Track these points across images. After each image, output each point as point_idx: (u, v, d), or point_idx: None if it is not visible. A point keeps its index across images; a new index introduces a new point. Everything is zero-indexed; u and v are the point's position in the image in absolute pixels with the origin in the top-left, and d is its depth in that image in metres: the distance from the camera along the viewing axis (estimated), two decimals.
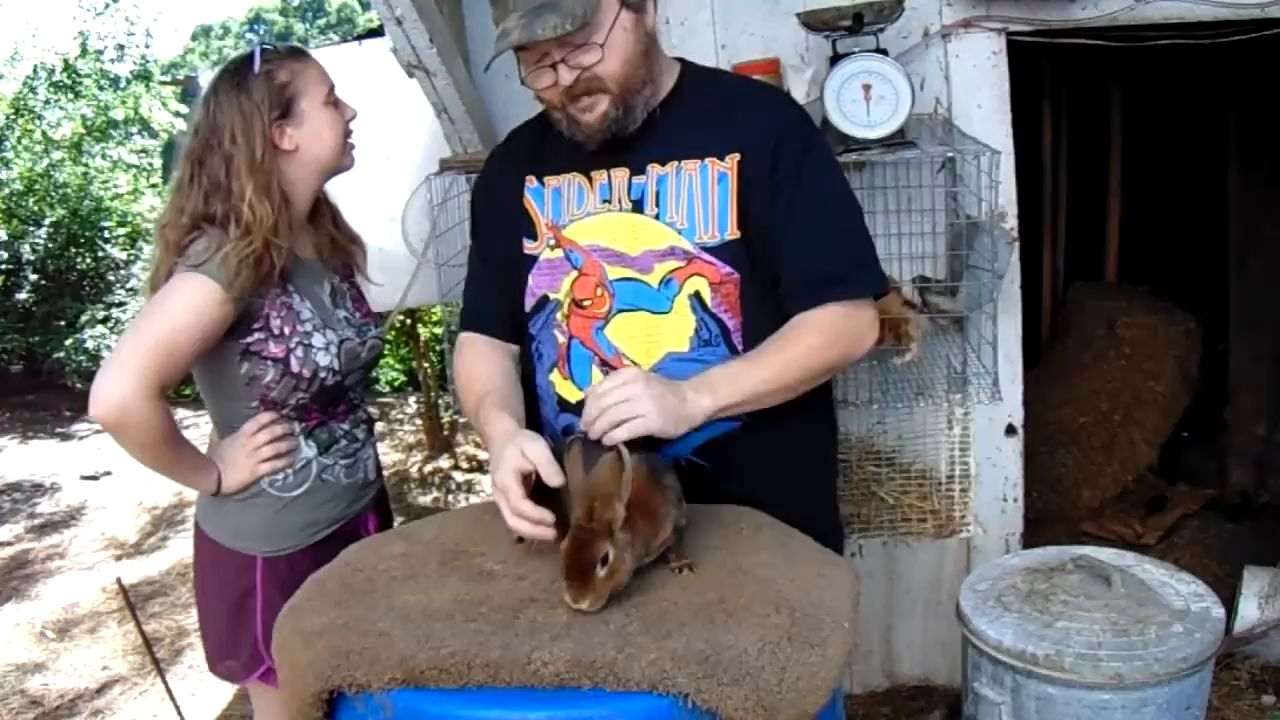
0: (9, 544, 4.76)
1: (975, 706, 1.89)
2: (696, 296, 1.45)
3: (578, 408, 1.50)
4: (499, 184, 1.60)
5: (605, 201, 1.48)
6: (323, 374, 1.69)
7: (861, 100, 2.11)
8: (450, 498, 5.17)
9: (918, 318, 2.26)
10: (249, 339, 1.64)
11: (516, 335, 1.59)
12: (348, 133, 1.76)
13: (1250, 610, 2.67)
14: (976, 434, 2.51)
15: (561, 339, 1.52)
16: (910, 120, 2.13)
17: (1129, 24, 2.31)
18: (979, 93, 2.39)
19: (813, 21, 2.16)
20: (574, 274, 1.50)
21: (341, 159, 1.75)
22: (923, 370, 2.36)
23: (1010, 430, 2.55)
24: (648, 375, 1.32)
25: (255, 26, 26.82)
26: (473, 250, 1.66)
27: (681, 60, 1.54)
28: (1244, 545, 3.26)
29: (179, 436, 1.63)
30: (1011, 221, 2.38)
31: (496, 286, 1.60)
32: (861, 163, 2.23)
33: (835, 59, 2.17)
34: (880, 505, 2.48)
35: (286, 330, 1.66)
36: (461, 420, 5.67)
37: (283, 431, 1.70)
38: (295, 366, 1.67)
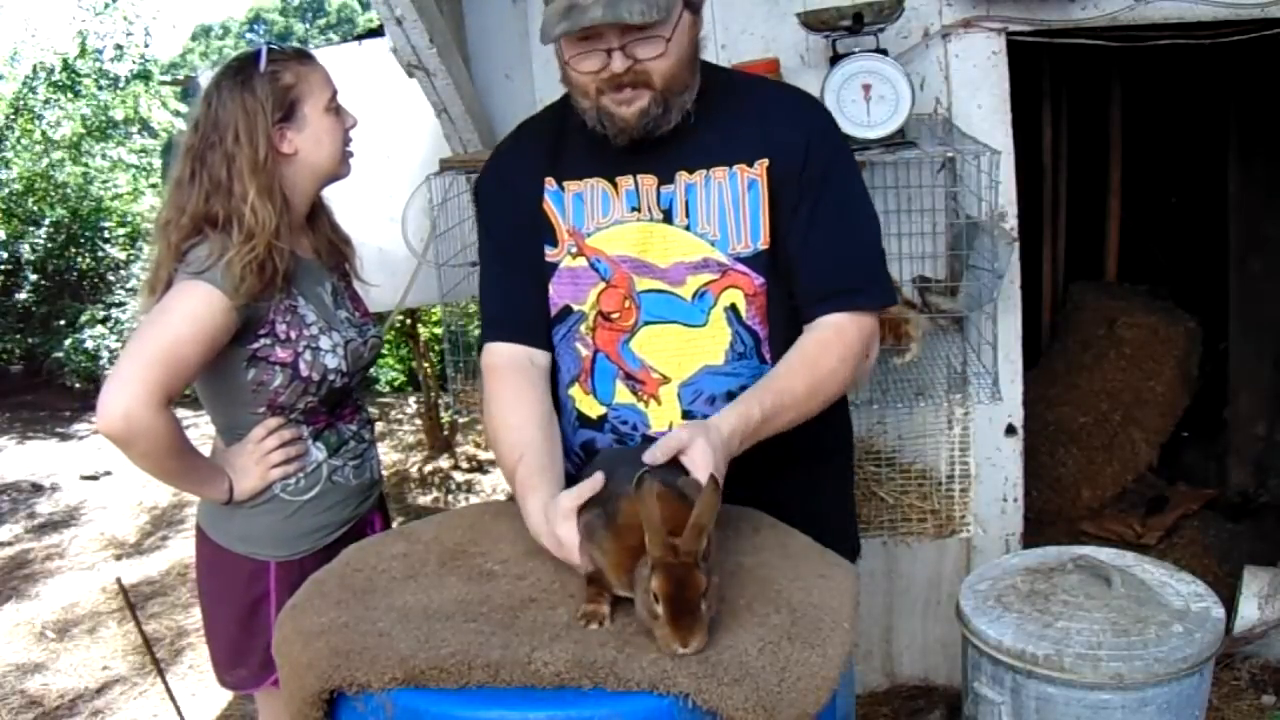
0: (9, 544, 4.76)
1: (975, 706, 1.89)
2: (733, 309, 1.43)
3: (598, 423, 1.47)
4: (515, 183, 1.50)
5: (634, 210, 1.43)
6: (331, 376, 1.69)
7: (861, 100, 2.11)
8: (450, 498, 5.17)
9: (918, 318, 2.26)
10: (255, 344, 1.62)
11: (549, 340, 1.51)
12: (347, 140, 1.74)
13: (1250, 610, 2.67)
14: (976, 434, 2.51)
15: (585, 352, 1.47)
16: (910, 120, 2.13)
17: (1129, 24, 2.31)
18: (979, 93, 2.39)
19: (813, 21, 2.16)
20: (601, 285, 1.45)
21: (339, 167, 1.74)
22: (923, 370, 2.36)
23: (1010, 430, 2.55)
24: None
25: (255, 26, 26.79)
26: (489, 253, 1.54)
27: (703, 63, 1.48)
28: (1244, 545, 3.26)
29: (188, 446, 1.60)
30: (1011, 221, 2.38)
31: (528, 288, 1.49)
32: (862, 163, 2.23)
33: (835, 59, 2.17)
34: (880, 505, 2.48)
35: (293, 335, 1.65)
36: (461, 420, 5.67)
37: (291, 435, 1.69)
38: (304, 370, 1.66)
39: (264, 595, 1.68)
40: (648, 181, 1.43)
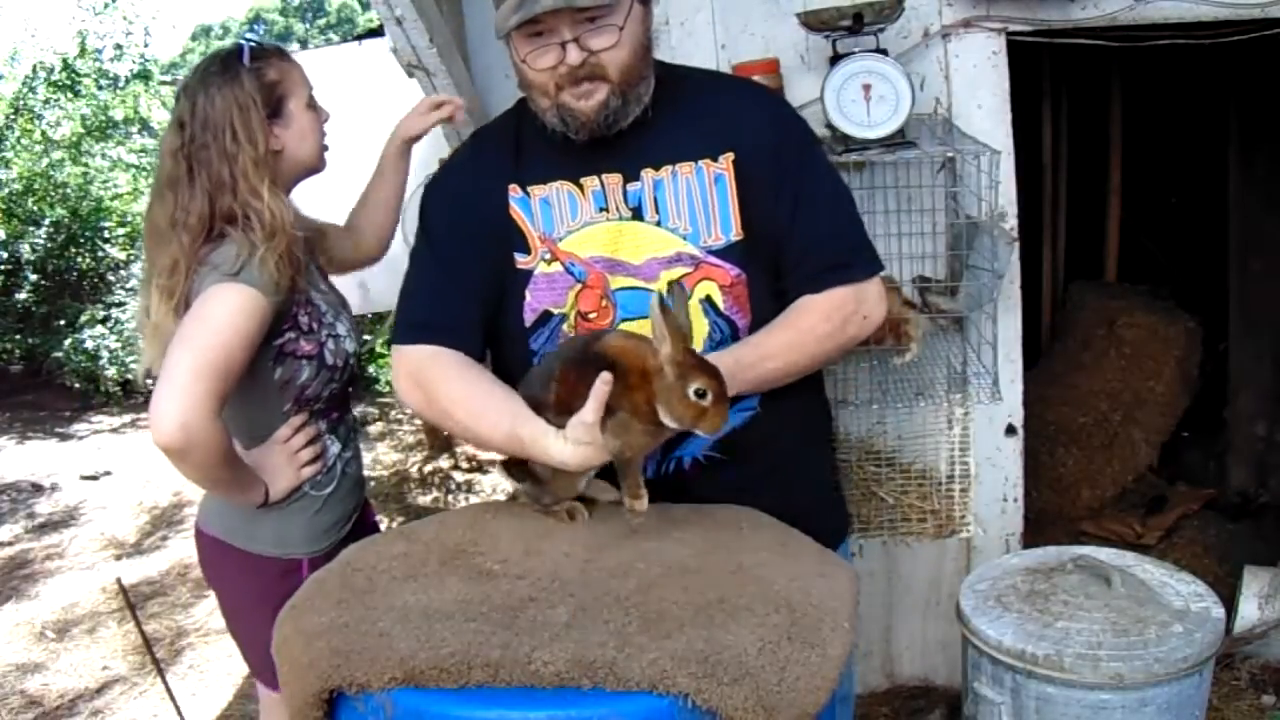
0: (8, 544, 4.76)
1: (975, 706, 1.89)
2: (708, 300, 1.45)
3: None
4: (472, 191, 1.50)
5: (602, 210, 1.45)
6: (351, 360, 1.73)
7: (861, 100, 2.11)
8: (450, 498, 5.17)
9: (918, 318, 2.26)
10: (280, 340, 1.63)
11: (483, 352, 1.51)
12: (323, 134, 1.75)
13: (1250, 610, 2.67)
14: (976, 434, 2.51)
15: None
16: (910, 120, 2.13)
17: (1129, 24, 2.31)
18: (979, 93, 2.39)
19: (813, 21, 2.16)
20: (578, 287, 1.46)
21: (319, 161, 1.75)
22: (923, 370, 2.36)
23: (1010, 430, 2.55)
24: None
25: (255, 26, 26.79)
26: (425, 257, 1.51)
27: (657, 61, 1.50)
28: (1244, 545, 3.26)
29: (236, 455, 1.61)
30: (1011, 221, 2.38)
31: (464, 298, 1.47)
32: (861, 163, 2.23)
33: (835, 59, 2.17)
34: (880, 505, 2.48)
35: (314, 325, 1.67)
36: None
37: (314, 433, 1.71)
38: (330, 359, 1.68)
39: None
40: (613, 180, 1.45)
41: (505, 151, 1.49)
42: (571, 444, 1.26)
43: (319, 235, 1.86)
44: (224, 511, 1.71)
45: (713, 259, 1.44)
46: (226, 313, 1.52)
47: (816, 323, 1.43)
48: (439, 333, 1.45)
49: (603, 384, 1.23)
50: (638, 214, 1.44)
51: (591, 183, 1.45)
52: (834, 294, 1.44)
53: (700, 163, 1.44)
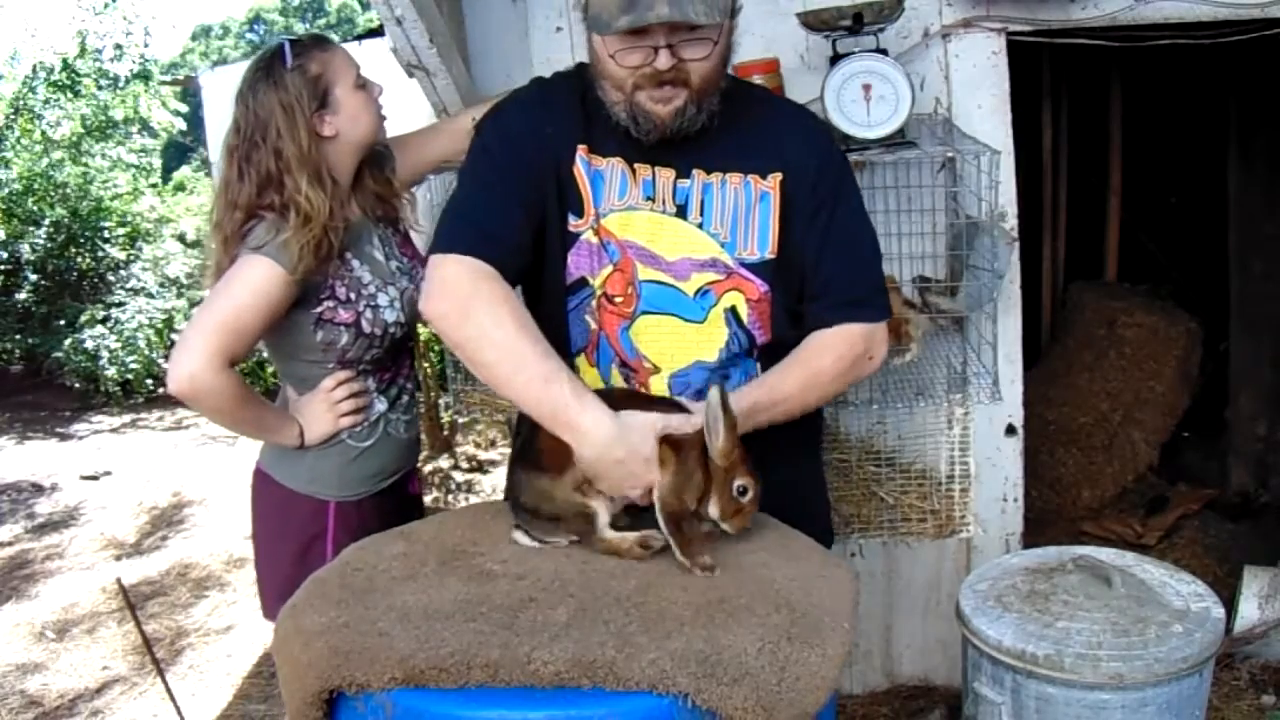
0: (8, 544, 4.76)
1: (975, 706, 1.89)
2: (733, 311, 1.47)
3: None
4: (542, 131, 1.46)
5: (648, 199, 1.46)
6: (392, 329, 1.80)
7: (861, 100, 2.11)
8: (450, 498, 5.16)
9: (918, 318, 2.26)
10: (319, 308, 1.74)
11: (516, 285, 1.45)
12: (379, 108, 1.83)
13: (1250, 610, 2.67)
14: (976, 434, 2.51)
15: (594, 326, 1.51)
16: (910, 120, 2.13)
17: (1129, 24, 2.31)
18: (979, 93, 2.39)
19: (813, 21, 2.16)
20: (610, 268, 1.47)
21: (376, 134, 1.84)
22: (923, 370, 2.36)
23: (1010, 430, 2.55)
24: None
25: (255, 26, 26.79)
26: (486, 172, 1.44)
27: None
28: (1244, 545, 3.26)
29: (254, 399, 1.74)
30: (1011, 221, 2.38)
31: (521, 221, 1.42)
32: (861, 163, 2.23)
33: (835, 59, 2.17)
34: (880, 505, 2.47)
35: (353, 296, 1.75)
36: (461, 420, 5.65)
37: (360, 388, 1.81)
38: (366, 328, 1.77)
39: (321, 533, 1.82)
40: (665, 174, 1.46)
41: (577, 112, 1.47)
42: (622, 419, 1.28)
43: (399, 198, 1.94)
44: (271, 447, 1.86)
45: (744, 271, 1.47)
46: (244, 279, 1.65)
47: (830, 362, 1.46)
48: (495, 248, 1.37)
49: (689, 422, 1.31)
50: (682, 212, 1.46)
51: (645, 170, 1.47)
52: (849, 331, 1.47)
53: (749, 177, 1.46)
